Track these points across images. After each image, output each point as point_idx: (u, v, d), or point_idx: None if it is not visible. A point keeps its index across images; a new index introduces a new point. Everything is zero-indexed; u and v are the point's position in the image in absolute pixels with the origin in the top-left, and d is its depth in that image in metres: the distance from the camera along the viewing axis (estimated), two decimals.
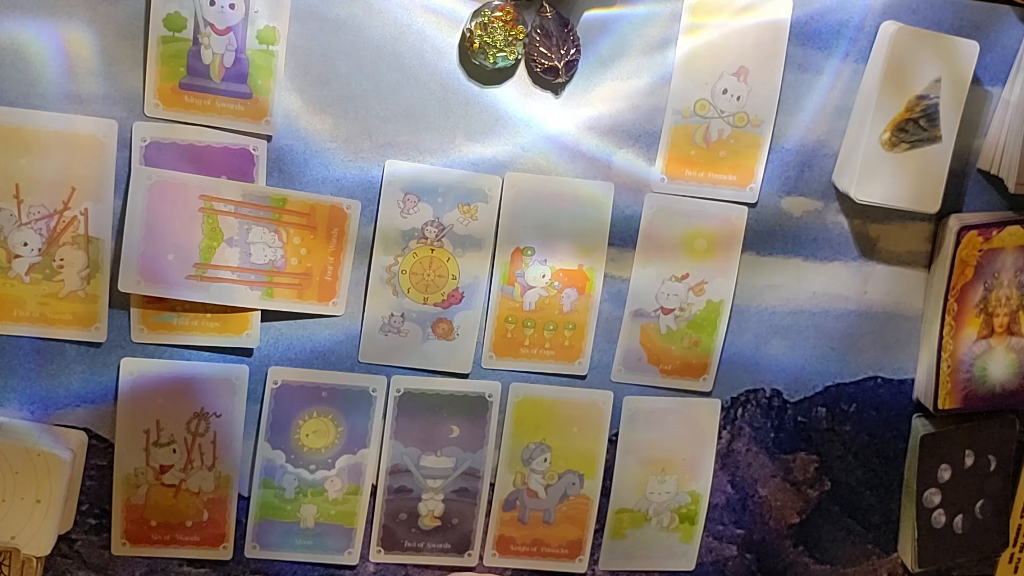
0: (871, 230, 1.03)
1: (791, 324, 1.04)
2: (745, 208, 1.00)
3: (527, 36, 0.92)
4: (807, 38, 0.97)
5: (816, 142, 1.00)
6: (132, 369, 0.93)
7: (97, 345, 0.93)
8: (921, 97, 0.97)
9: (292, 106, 0.91)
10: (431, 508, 1.02)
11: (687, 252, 1.00)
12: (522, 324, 0.99)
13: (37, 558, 0.92)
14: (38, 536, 0.91)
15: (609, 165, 0.97)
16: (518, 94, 0.94)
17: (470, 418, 1.00)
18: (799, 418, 1.07)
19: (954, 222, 1.03)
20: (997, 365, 1.07)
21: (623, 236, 0.99)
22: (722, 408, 1.05)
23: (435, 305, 0.97)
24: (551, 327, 0.99)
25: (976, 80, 0.99)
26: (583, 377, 1.02)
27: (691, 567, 1.08)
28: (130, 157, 0.89)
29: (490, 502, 1.03)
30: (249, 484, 0.98)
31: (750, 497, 1.08)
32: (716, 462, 1.06)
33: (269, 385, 0.96)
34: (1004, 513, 1.12)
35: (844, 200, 1.01)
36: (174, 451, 0.96)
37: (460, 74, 0.93)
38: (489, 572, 1.04)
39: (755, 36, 0.96)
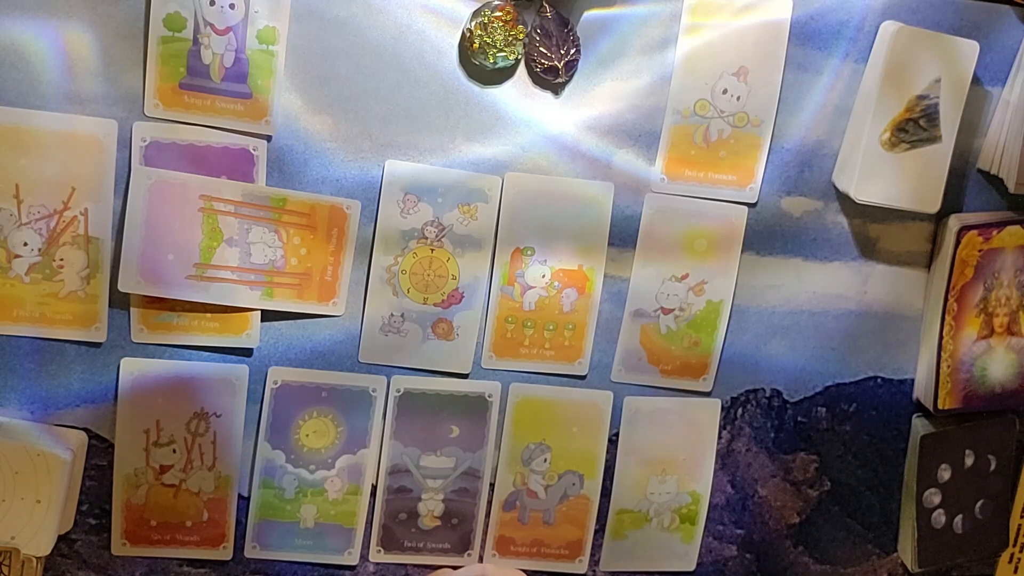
0: (871, 230, 1.03)
1: (791, 324, 1.04)
2: (745, 208, 1.00)
3: (527, 36, 0.92)
4: (807, 38, 0.97)
5: (816, 142, 1.00)
6: (132, 369, 0.93)
7: (97, 345, 0.93)
8: (921, 97, 0.97)
9: (292, 106, 0.91)
10: (431, 508, 1.02)
11: (687, 252, 1.00)
12: (522, 324, 0.99)
13: (37, 558, 0.92)
14: (38, 536, 0.91)
15: (609, 165, 0.97)
16: (518, 94, 0.94)
17: (470, 418, 1.00)
18: (799, 418, 1.07)
19: (954, 222, 1.02)
20: (997, 365, 1.07)
21: (623, 236, 0.99)
22: (722, 408, 1.05)
23: (435, 305, 0.97)
24: (551, 327, 0.99)
25: (976, 80, 0.99)
26: (583, 377, 1.02)
27: (692, 567, 1.08)
28: (130, 157, 0.89)
29: (490, 502, 1.02)
30: (249, 484, 0.98)
31: (750, 497, 1.08)
32: (716, 462, 1.06)
33: (269, 385, 0.96)
34: (1004, 513, 1.12)
35: (844, 200, 1.01)
36: (174, 451, 0.96)
37: (460, 74, 0.93)
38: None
39: (755, 36, 0.96)
